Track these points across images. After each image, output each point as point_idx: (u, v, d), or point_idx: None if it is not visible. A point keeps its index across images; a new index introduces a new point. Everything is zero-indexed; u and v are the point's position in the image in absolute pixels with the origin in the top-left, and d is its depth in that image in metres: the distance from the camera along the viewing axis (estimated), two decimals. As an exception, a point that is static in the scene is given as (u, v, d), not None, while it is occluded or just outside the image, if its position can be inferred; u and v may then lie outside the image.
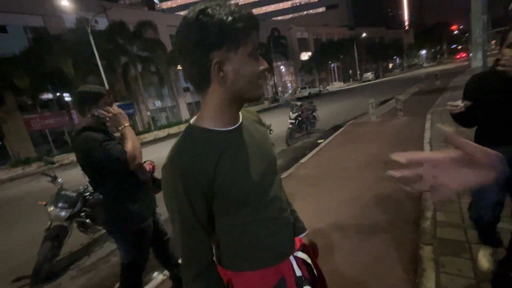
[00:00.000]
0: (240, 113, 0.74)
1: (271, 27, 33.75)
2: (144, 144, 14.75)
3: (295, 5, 73.09)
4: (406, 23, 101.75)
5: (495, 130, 1.37)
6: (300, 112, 7.81)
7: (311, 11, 72.44)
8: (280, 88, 37.76)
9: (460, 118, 1.46)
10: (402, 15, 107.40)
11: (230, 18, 0.59)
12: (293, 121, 7.55)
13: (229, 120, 0.69)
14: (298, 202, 3.39)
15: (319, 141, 7.04)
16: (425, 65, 56.48)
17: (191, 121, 0.71)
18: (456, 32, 75.20)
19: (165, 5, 68.56)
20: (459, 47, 72.32)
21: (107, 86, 15.83)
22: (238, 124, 0.72)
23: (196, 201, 0.64)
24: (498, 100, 1.34)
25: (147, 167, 1.91)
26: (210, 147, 0.65)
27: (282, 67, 39.04)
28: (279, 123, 8.70)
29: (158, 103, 25.28)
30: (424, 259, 1.96)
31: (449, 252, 1.98)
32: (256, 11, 69.77)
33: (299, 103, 8.11)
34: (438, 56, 71.10)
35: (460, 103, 1.39)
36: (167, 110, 26.43)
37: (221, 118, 0.68)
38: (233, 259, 0.75)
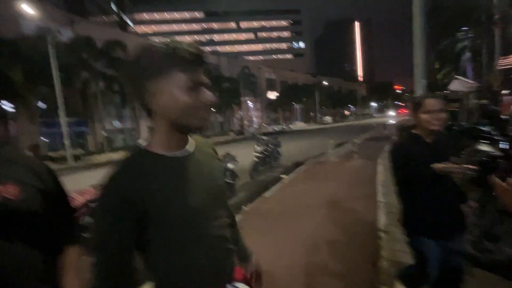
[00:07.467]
0: (194, 141, 0.77)
1: (242, 65, 35.76)
2: (95, 166, 13.34)
3: (265, 49, 79.25)
4: (360, 77, 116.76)
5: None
6: (266, 147, 7.97)
7: (279, 56, 79.03)
8: (246, 122, 38.77)
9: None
10: (356, 70, 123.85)
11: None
12: (259, 154, 7.64)
13: (175, 146, 0.71)
14: (258, 237, 3.26)
15: (281, 175, 7.14)
16: (374, 115, 63.83)
17: (140, 142, 0.72)
18: (399, 91, 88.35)
19: (139, 30, 68.71)
20: (401, 103, 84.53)
21: (60, 99, 14.54)
22: (187, 152, 0.74)
23: (127, 219, 0.64)
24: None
25: (86, 196, 1.60)
26: (147, 170, 0.66)
27: (249, 102, 40.61)
28: (244, 155, 8.71)
29: (117, 124, 23.79)
30: (382, 301, 1.96)
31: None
32: (230, 48, 74.17)
33: (265, 138, 8.32)
34: (385, 109, 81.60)
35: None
36: (125, 132, 24.93)
37: (167, 144, 0.70)
38: (170, 281, 0.72)
